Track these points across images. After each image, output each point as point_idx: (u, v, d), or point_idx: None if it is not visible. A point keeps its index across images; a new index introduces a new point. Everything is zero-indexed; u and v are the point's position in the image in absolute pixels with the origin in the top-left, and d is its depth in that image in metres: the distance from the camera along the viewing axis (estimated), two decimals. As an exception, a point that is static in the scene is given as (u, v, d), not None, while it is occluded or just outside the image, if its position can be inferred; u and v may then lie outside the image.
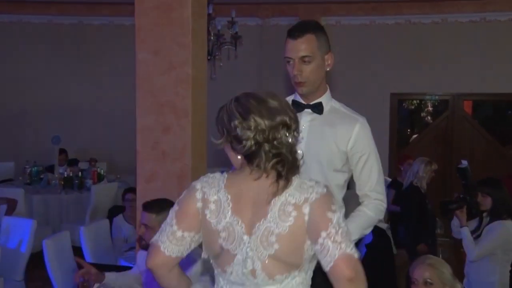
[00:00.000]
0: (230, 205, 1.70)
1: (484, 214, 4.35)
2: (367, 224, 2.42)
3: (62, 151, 8.16)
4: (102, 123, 9.13)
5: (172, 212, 1.79)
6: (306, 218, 1.64)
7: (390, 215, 5.97)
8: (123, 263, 4.31)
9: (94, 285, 2.84)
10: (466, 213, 4.33)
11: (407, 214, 5.32)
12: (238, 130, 1.67)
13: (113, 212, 6.14)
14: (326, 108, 2.48)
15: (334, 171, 2.41)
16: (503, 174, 7.72)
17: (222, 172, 1.82)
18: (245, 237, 1.69)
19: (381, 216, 2.49)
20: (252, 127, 1.66)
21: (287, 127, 1.68)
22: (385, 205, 2.47)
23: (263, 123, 1.66)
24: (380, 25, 8.59)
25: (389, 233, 5.76)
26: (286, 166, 1.67)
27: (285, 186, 1.67)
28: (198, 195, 1.74)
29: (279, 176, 1.67)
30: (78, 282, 2.77)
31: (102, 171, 7.77)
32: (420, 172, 5.35)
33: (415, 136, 10.15)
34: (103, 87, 9.10)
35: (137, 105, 3.68)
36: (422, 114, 11.57)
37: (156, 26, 3.61)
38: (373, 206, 2.44)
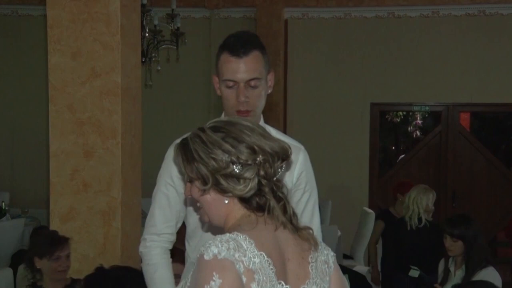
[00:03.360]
0: (274, 270, 1.63)
1: (451, 263, 4.49)
2: None
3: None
4: (4, 142, 8.95)
5: None
6: (329, 279, 1.80)
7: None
8: (31, 325, 4.21)
9: None
10: None
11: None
12: (236, 167, 1.64)
13: (18, 258, 6.00)
14: None
15: None
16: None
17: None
18: None
19: None
20: (251, 161, 1.65)
21: (283, 158, 1.71)
22: None
23: (263, 154, 1.66)
24: (357, 19, 8.74)
25: (368, 278, 5.81)
26: (290, 211, 1.72)
27: (314, 238, 1.78)
28: (239, 267, 1.57)
29: (294, 225, 1.73)
30: None
31: (3, 204, 7.60)
32: (430, 205, 5.43)
33: (402, 156, 10.33)
34: (5, 96, 8.93)
35: (51, 123, 3.63)
36: (409, 128, 11.81)
37: (75, 22, 3.58)
38: None
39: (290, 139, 2.46)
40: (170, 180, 2.42)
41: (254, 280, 1.58)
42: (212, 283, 1.53)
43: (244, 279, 1.57)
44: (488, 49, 8.42)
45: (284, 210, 1.70)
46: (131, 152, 3.69)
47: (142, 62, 5.96)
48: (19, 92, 8.84)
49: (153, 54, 6.60)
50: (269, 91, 2.43)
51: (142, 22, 5.74)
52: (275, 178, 1.69)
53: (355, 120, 8.70)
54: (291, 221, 1.71)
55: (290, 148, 1.74)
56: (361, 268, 6.74)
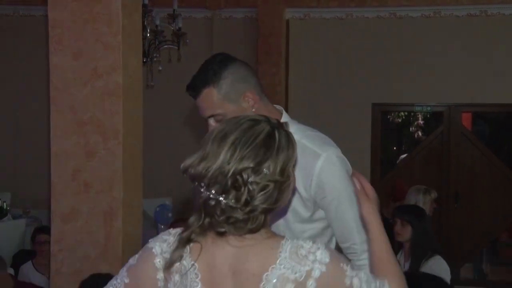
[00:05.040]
0: (199, 276, 1.62)
1: (400, 256, 4.61)
2: None
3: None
4: (5, 142, 8.96)
5: (118, 282, 1.71)
6: None
7: None
8: (32, 325, 4.24)
9: None
10: None
11: None
12: None
13: (19, 258, 6.03)
14: None
15: (300, 222, 2.41)
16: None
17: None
18: None
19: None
20: None
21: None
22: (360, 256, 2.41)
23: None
24: (358, 19, 8.74)
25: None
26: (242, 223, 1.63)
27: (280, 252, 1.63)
28: (158, 262, 1.65)
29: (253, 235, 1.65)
30: None
31: (4, 204, 7.62)
32: (419, 204, 5.49)
33: (403, 156, 10.33)
34: (6, 96, 8.95)
35: (52, 123, 3.63)
36: (411, 129, 11.81)
37: (76, 22, 3.58)
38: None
39: (315, 141, 2.42)
40: None
41: (172, 280, 1.64)
42: (133, 259, 1.74)
43: (162, 275, 1.65)
44: (490, 49, 8.42)
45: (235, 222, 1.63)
46: (132, 153, 3.69)
47: (144, 62, 5.97)
48: (20, 92, 8.86)
49: (155, 55, 6.61)
50: (253, 110, 2.34)
51: (143, 22, 5.74)
52: (211, 195, 1.63)
53: (357, 120, 8.70)
54: (237, 229, 1.63)
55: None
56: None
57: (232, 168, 1.59)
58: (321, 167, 2.34)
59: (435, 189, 6.03)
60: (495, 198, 8.62)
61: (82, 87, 3.58)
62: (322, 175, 2.35)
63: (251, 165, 1.60)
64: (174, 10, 6.53)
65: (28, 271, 5.35)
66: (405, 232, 4.55)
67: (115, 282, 1.73)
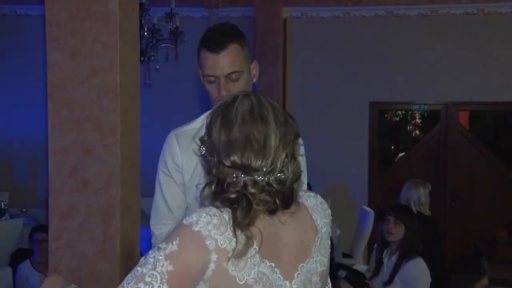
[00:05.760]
0: (257, 249, 1.62)
1: (385, 255, 4.62)
2: None
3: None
4: (3, 142, 8.97)
5: (158, 272, 1.54)
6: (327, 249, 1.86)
7: None
8: (31, 324, 4.24)
9: None
10: None
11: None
12: None
13: (17, 257, 6.05)
14: None
15: None
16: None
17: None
18: (287, 284, 1.69)
19: None
20: None
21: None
22: None
23: None
24: (356, 18, 8.76)
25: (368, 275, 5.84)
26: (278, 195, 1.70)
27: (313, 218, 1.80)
28: (210, 244, 1.56)
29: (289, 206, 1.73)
30: None
31: (2, 203, 7.62)
32: (422, 198, 5.51)
33: (401, 154, 10.35)
34: (4, 95, 8.96)
35: (50, 121, 3.63)
36: (409, 127, 11.82)
37: (74, 20, 3.59)
38: None
39: None
40: (165, 170, 2.55)
41: (227, 259, 1.57)
42: (169, 245, 1.55)
43: (215, 256, 1.56)
44: (487, 47, 8.44)
45: (271, 194, 1.66)
46: (129, 150, 3.70)
47: (141, 61, 5.97)
48: (18, 91, 8.86)
49: (152, 53, 6.61)
50: (255, 80, 2.48)
51: (140, 21, 5.75)
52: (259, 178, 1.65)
53: (354, 119, 8.72)
54: (285, 204, 1.69)
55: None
56: (360, 266, 6.75)
57: (283, 150, 1.67)
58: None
59: (432, 186, 6.04)
60: (493, 196, 8.64)
61: (79, 85, 3.59)
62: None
63: (292, 138, 1.70)
64: (171, 9, 6.53)
65: (26, 269, 5.36)
66: (397, 232, 4.54)
67: (153, 272, 1.52)
